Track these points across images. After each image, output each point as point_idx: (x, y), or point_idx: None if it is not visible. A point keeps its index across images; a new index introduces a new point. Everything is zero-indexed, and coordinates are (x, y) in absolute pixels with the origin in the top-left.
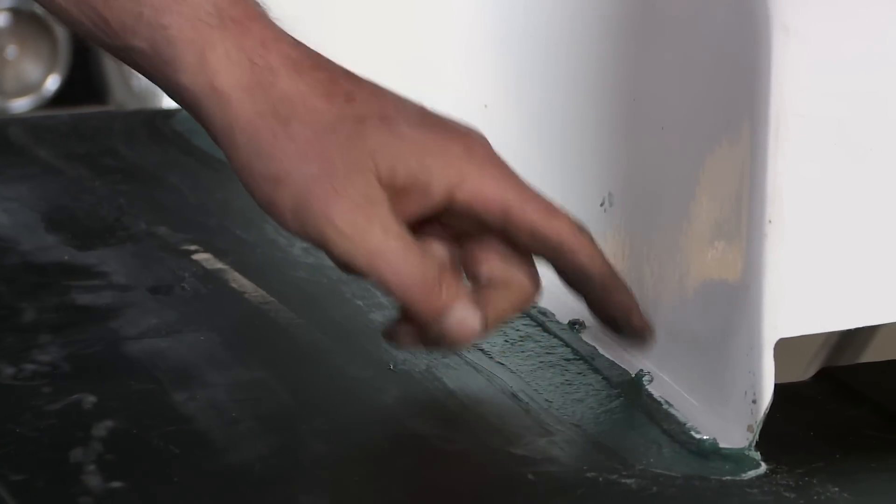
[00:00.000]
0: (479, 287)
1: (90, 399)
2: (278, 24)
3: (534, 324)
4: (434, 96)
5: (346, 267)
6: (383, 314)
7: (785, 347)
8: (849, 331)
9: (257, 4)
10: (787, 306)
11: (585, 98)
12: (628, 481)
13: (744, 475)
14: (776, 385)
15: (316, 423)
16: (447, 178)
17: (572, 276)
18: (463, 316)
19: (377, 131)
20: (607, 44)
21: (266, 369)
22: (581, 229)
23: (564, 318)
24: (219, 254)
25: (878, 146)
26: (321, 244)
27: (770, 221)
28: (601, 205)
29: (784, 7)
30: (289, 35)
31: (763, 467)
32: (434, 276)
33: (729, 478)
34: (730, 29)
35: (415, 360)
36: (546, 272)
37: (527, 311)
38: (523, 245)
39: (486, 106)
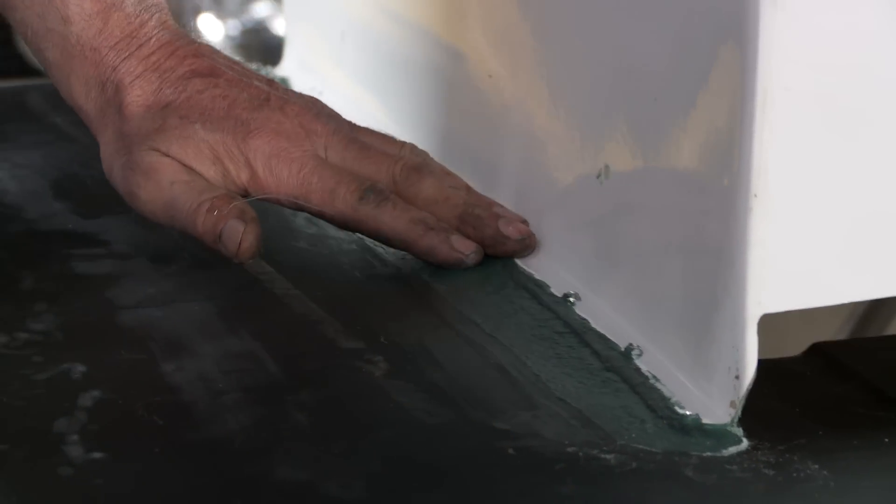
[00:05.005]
0: None
1: (79, 368)
2: (141, 40)
3: (528, 296)
4: (443, 63)
5: (159, 223)
6: (379, 285)
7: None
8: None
9: (126, 23)
10: (772, 281)
11: (581, 71)
12: (608, 456)
13: (724, 451)
14: (765, 361)
15: (301, 395)
16: (237, 174)
17: (378, 241)
18: (230, 229)
19: (174, 130)
20: (601, 15)
21: (257, 340)
22: (366, 198)
23: (559, 291)
24: None
25: (865, 120)
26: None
27: (755, 196)
28: (598, 177)
29: None
30: (140, 46)
31: (745, 443)
32: (207, 202)
33: (709, 454)
34: (718, 1)
35: (406, 333)
36: (541, 249)
37: (521, 283)
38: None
39: (490, 76)
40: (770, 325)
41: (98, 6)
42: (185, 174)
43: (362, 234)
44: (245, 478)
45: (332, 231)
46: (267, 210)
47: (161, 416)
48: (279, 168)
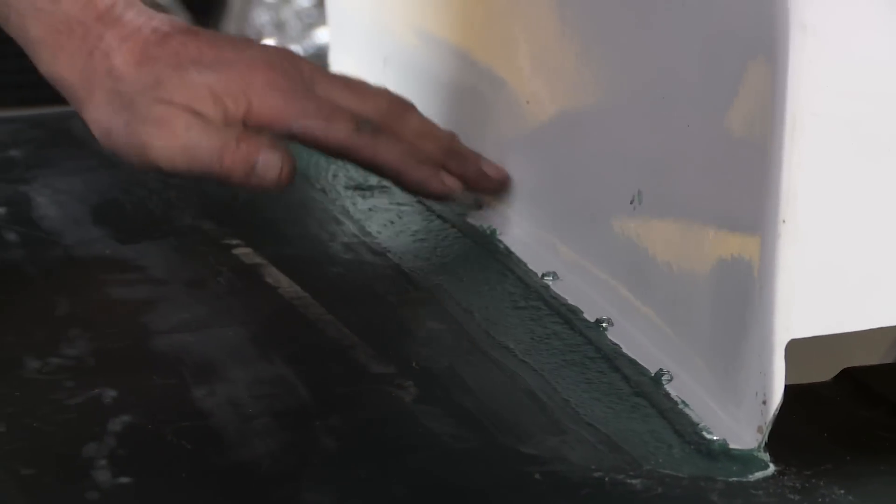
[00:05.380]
0: None
1: (110, 393)
2: (122, 9)
3: (561, 321)
4: (482, 87)
5: (175, 170)
6: (413, 310)
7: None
8: None
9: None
10: (799, 307)
11: (617, 98)
12: (634, 481)
13: (751, 476)
14: (795, 386)
15: (331, 419)
16: (235, 109)
17: (371, 171)
18: (267, 159)
19: (172, 80)
20: (635, 44)
21: (289, 365)
22: (362, 128)
23: (592, 316)
24: (259, 248)
25: (893, 146)
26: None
27: (784, 221)
28: (630, 202)
29: (802, 5)
30: (122, 14)
31: (771, 468)
32: (233, 140)
33: (735, 479)
34: (748, 26)
35: (438, 357)
36: (574, 274)
37: (554, 308)
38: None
39: (528, 101)
40: (804, 350)
41: None
42: (197, 118)
43: (356, 163)
44: (271, 502)
45: (369, 257)
46: (303, 237)
47: (189, 440)
48: (275, 98)
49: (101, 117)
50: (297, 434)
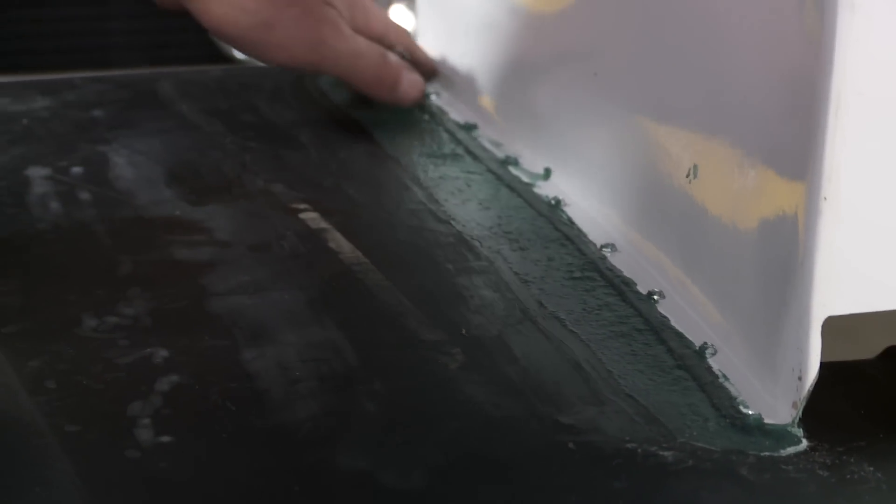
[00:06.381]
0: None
1: (162, 353)
2: None
3: (614, 293)
4: (555, 58)
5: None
6: (469, 278)
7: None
8: None
9: None
10: (837, 284)
11: (676, 78)
12: (666, 453)
13: (782, 451)
14: (837, 363)
15: (374, 385)
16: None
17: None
18: (411, 78)
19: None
20: (690, 26)
21: (340, 330)
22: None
23: (645, 288)
24: (326, 213)
25: None
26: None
27: (825, 199)
28: (686, 176)
29: None
30: None
31: (804, 444)
32: (384, 53)
33: (767, 454)
34: (797, 5)
35: (488, 326)
36: (631, 246)
37: (609, 279)
38: None
39: (595, 74)
40: (849, 327)
41: None
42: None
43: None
44: (306, 464)
45: (433, 224)
46: (371, 203)
47: (234, 401)
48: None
49: (253, 6)
50: (339, 398)
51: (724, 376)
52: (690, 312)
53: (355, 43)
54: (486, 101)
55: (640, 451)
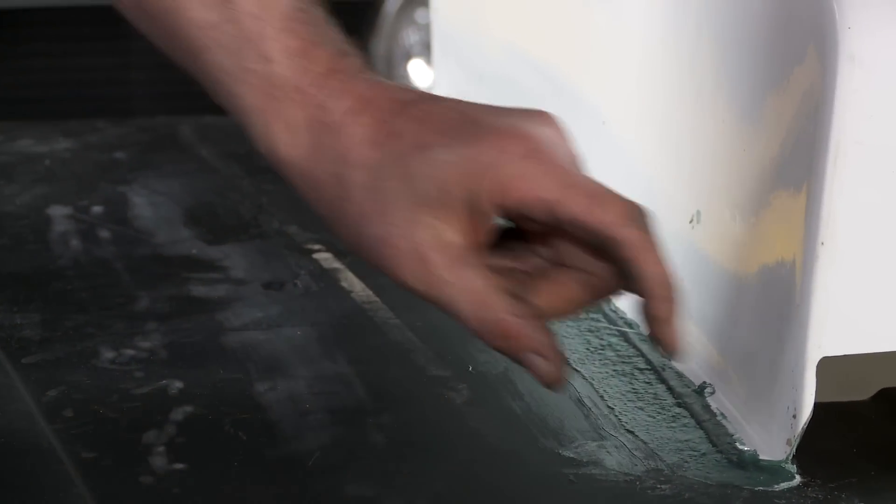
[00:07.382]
0: (558, 271)
1: (177, 385)
2: (345, 74)
3: (617, 334)
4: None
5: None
6: None
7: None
8: None
9: (328, 60)
10: (832, 326)
11: (678, 125)
12: (663, 487)
13: (776, 486)
14: (832, 403)
15: (382, 417)
16: (490, 192)
17: (622, 270)
18: (537, 363)
19: (420, 166)
20: (696, 77)
21: (351, 365)
22: (632, 221)
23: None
24: (339, 254)
25: None
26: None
27: (822, 243)
28: (690, 221)
29: (852, 37)
30: (347, 81)
31: (797, 479)
32: (502, 311)
33: (761, 488)
34: (799, 57)
35: (494, 363)
36: None
37: (612, 320)
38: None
39: (603, 123)
40: (844, 369)
41: (299, 43)
42: (473, 256)
43: (618, 257)
44: (315, 492)
45: None
46: None
47: (246, 432)
48: (533, 167)
49: (344, 227)
50: (348, 430)
51: (722, 414)
52: (691, 352)
53: (487, 292)
54: None
55: (638, 484)
